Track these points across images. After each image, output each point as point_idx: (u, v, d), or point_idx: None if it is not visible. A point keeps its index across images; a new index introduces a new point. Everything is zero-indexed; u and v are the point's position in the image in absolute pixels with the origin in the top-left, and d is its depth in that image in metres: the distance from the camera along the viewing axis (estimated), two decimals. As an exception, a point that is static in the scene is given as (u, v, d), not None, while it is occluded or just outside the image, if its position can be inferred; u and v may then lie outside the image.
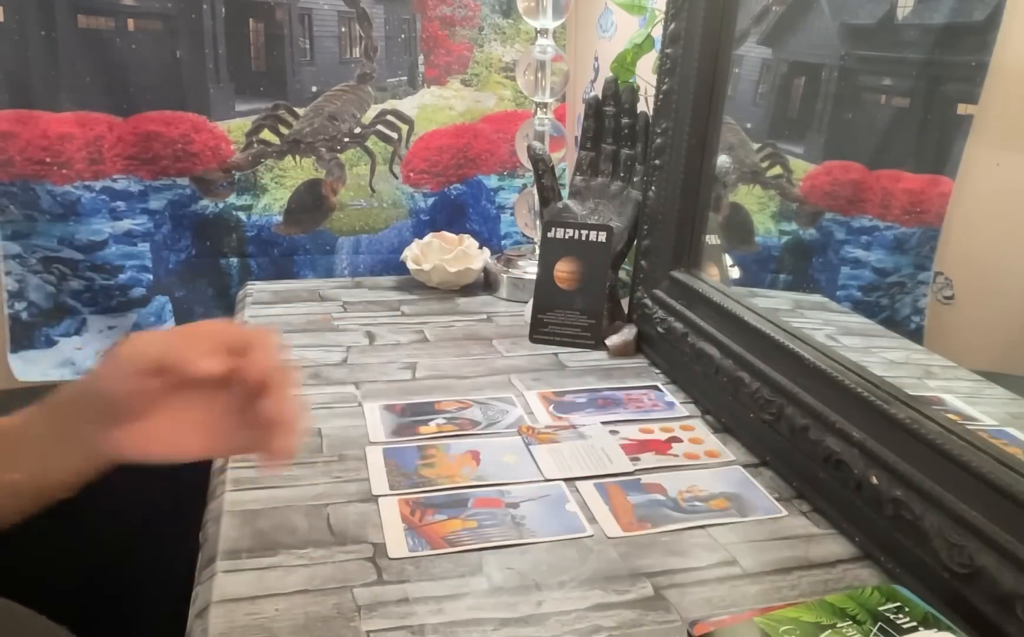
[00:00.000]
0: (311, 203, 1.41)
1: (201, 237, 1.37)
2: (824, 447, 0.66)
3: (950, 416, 0.59)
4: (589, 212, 1.07)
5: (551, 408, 0.86)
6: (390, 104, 1.42)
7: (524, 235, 1.33)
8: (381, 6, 1.38)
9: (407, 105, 1.43)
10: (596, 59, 1.45)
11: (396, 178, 1.44)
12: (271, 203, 1.39)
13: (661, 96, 0.96)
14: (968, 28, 0.76)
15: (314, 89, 1.38)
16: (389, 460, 0.73)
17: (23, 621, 0.53)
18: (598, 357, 1.00)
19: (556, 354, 1.00)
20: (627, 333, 1.01)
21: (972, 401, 0.68)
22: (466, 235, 1.25)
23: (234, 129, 1.34)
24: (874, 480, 0.61)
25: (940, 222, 0.78)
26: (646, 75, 1.09)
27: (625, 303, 1.07)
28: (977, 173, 0.73)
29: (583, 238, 1.02)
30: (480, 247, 1.24)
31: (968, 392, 0.70)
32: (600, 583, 0.59)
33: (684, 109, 0.92)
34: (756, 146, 0.99)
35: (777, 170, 0.96)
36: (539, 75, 1.17)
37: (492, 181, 1.50)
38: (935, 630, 0.52)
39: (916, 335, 0.81)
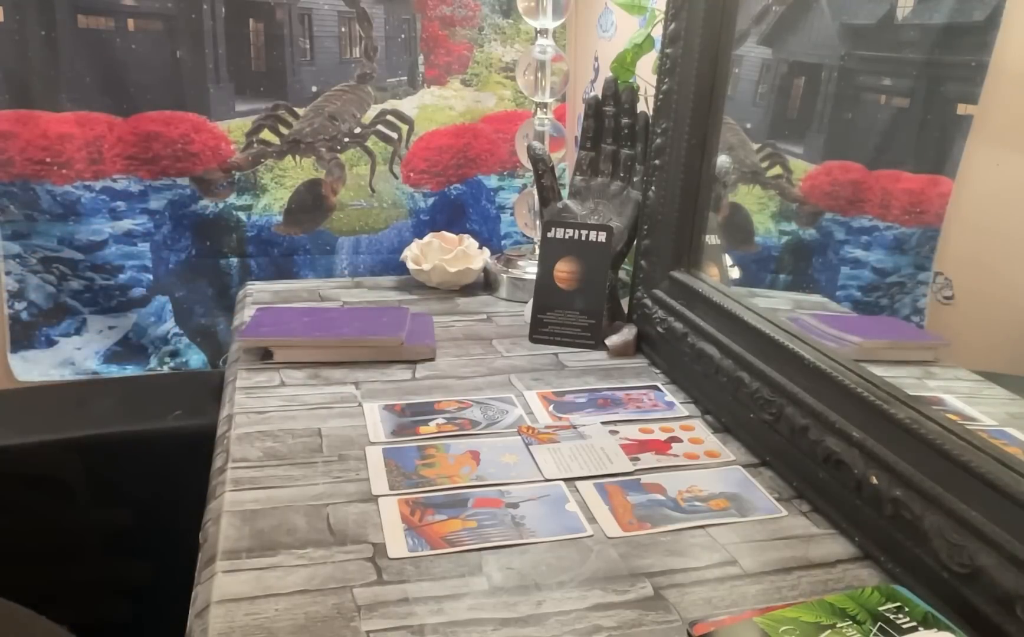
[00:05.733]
0: (311, 203, 1.41)
1: (201, 237, 1.38)
2: (824, 447, 0.66)
3: (950, 416, 0.59)
4: (589, 212, 1.07)
5: (551, 408, 0.86)
6: (390, 104, 1.42)
7: (524, 235, 1.33)
8: (381, 6, 1.38)
9: (407, 105, 1.43)
10: (596, 59, 1.45)
11: (396, 178, 1.45)
12: (271, 203, 1.39)
13: (661, 96, 0.96)
14: (968, 28, 0.75)
15: (314, 89, 1.38)
16: (389, 460, 0.73)
17: (23, 621, 0.53)
18: (598, 357, 1.00)
19: (556, 354, 1.00)
20: (627, 333, 1.01)
21: (972, 401, 0.68)
22: (466, 235, 1.25)
23: (234, 129, 1.34)
24: (874, 480, 0.61)
25: (940, 222, 0.78)
26: (646, 75, 1.09)
27: (625, 303, 1.07)
28: (977, 173, 0.73)
29: (583, 238, 1.02)
30: (480, 247, 1.24)
31: (968, 392, 0.70)
32: (600, 583, 0.59)
33: (684, 109, 0.92)
34: (756, 146, 0.99)
35: (777, 170, 0.96)
36: (539, 75, 1.17)
37: (492, 181, 1.50)
38: (935, 630, 0.52)
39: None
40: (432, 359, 0.96)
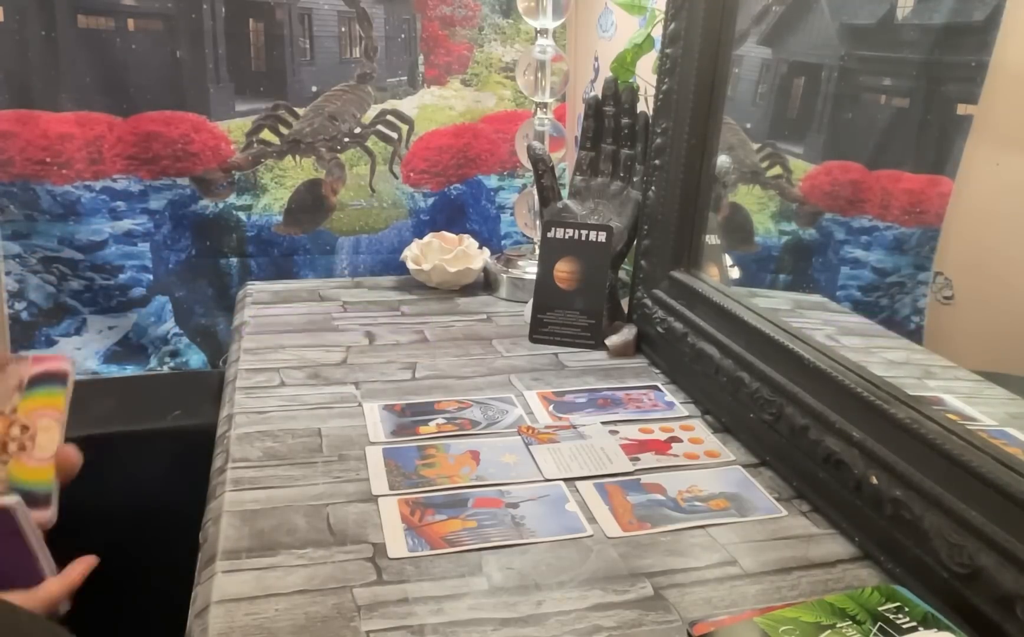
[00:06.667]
0: (311, 203, 1.41)
1: (201, 237, 1.38)
2: (824, 447, 0.66)
3: (950, 416, 0.59)
4: (589, 212, 1.07)
5: (551, 408, 0.86)
6: (390, 104, 1.42)
7: (524, 235, 1.33)
8: (381, 6, 1.38)
9: (407, 105, 1.43)
10: (596, 59, 1.45)
11: (396, 178, 1.45)
12: (271, 203, 1.39)
13: (661, 96, 0.96)
14: (968, 28, 0.76)
15: (314, 89, 1.38)
16: (389, 460, 0.73)
17: (23, 621, 0.53)
18: (598, 357, 1.00)
19: (556, 354, 1.00)
20: (627, 333, 1.01)
21: (972, 401, 0.68)
22: (466, 235, 1.25)
23: (234, 129, 1.34)
24: (874, 480, 0.61)
25: (940, 222, 0.78)
26: (646, 75, 1.09)
27: (625, 303, 1.07)
28: (977, 173, 0.73)
29: (583, 238, 1.02)
30: (480, 247, 1.25)
31: (968, 392, 0.70)
32: (600, 583, 0.59)
33: (684, 109, 0.92)
34: (756, 146, 0.99)
35: (777, 170, 0.96)
36: (539, 75, 1.17)
37: (492, 181, 1.50)
38: (935, 630, 0.52)
39: (916, 335, 0.81)
40: None
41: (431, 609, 0.55)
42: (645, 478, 0.73)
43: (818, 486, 0.68)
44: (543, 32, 1.16)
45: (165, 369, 1.38)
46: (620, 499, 0.69)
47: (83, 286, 1.30)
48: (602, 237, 1.01)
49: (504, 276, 1.21)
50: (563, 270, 1.03)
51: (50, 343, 1.30)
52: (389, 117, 1.43)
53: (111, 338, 1.35)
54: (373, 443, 0.76)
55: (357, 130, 1.41)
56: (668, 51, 0.94)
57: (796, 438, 0.70)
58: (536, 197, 1.11)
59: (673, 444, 0.80)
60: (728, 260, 1.00)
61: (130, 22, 1.27)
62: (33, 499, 0.60)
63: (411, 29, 1.41)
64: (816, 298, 0.92)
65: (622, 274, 1.10)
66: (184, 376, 1.39)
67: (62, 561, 1.01)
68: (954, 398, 0.68)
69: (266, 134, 1.36)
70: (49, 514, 0.61)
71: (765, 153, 0.98)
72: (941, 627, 0.52)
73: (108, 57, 1.26)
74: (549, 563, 0.61)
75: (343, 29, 1.38)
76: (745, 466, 0.76)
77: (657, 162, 0.97)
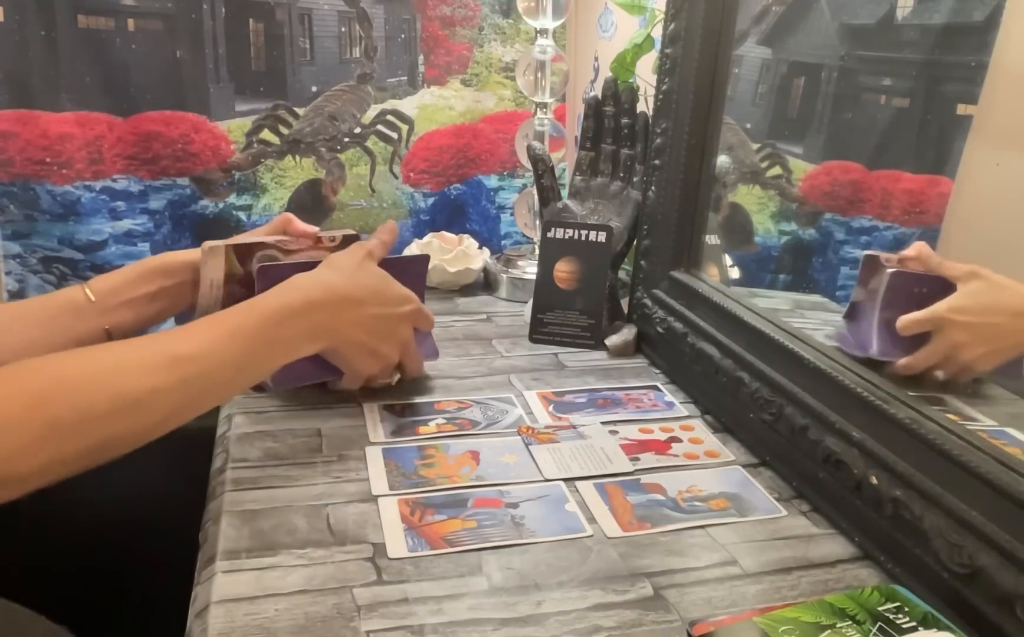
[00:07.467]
0: (311, 203, 1.41)
1: (201, 237, 1.37)
2: (824, 447, 0.66)
3: (950, 416, 0.59)
4: (589, 212, 1.07)
5: (551, 408, 0.86)
6: (390, 104, 1.42)
7: (524, 235, 1.33)
8: (381, 6, 1.38)
9: (407, 105, 1.43)
10: (596, 59, 1.45)
11: (396, 178, 1.44)
12: (271, 203, 1.39)
13: (661, 96, 0.96)
14: (968, 28, 0.75)
15: (314, 89, 1.38)
16: (389, 460, 0.73)
17: (23, 621, 0.53)
18: (598, 357, 1.00)
19: (556, 354, 1.00)
20: (627, 333, 1.01)
21: (972, 401, 0.68)
22: (466, 235, 1.25)
23: (234, 129, 1.34)
24: (874, 480, 0.61)
25: (940, 222, 0.78)
26: (646, 75, 1.09)
27: (625, 303, 1.07)
28: (977, 173, 0.73)
29: (583, 238, 1.02)
30: (480, 247, 1.24)
31: (968, 392, 0.70)
32: (600, 583, 0.59)
33: (684, 109, 0.92)
34: (756, 146, 0.99)
35: (777, 170, 0.96)
36: (539, 75, 1.17)
37: (492, 181, 1.50)
38: (935, 630, 0.52)
39: (916, 335, 0.81)
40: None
41: (431, 609, 0.55)
42: (645, 478, 0.73)
43: (818, 486, 0.68)
44: (543, 32, 1.16)
45: (165, 369, 1.38)
46: (620, 499, 0.69)
47: (83, 286, 1.30)
48: (602, 237, 1.01)
49: (504, 276, 1.21)
50: (563, 270, 1.03)
51: (50, 343, 1.30)
52: (389, 117, 1.43)
53: (111, 338, 1.34)
54: (373, 443, 0.76)
55: (357, 130, 1.41)
56: (668, 51, 0.94)
57: (796, 438, 0.70)
58: (536, 197, 1.11)
59: (673, 444, 0.80)
60: (728, 260, 1.00)
61: (130, 22, 1.26)
62: None
63: (411, 29, 1.41)
64: (816, 298, 0.92)
65: (622, 274, 1.10)
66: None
67: (59, 562, 1.01)
68: (954, 398, 0.68)
69: (266, 134, 1.36)
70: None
71: (765, 153, 0.98)
72: (941, 627, 0.52)
73: (108, 57, 1.26)
74: (549, 563, 0.61)
75: (343, 29, 1.38)
76: (745, 466, 0.76)
77: (657, 162, 0.97)
